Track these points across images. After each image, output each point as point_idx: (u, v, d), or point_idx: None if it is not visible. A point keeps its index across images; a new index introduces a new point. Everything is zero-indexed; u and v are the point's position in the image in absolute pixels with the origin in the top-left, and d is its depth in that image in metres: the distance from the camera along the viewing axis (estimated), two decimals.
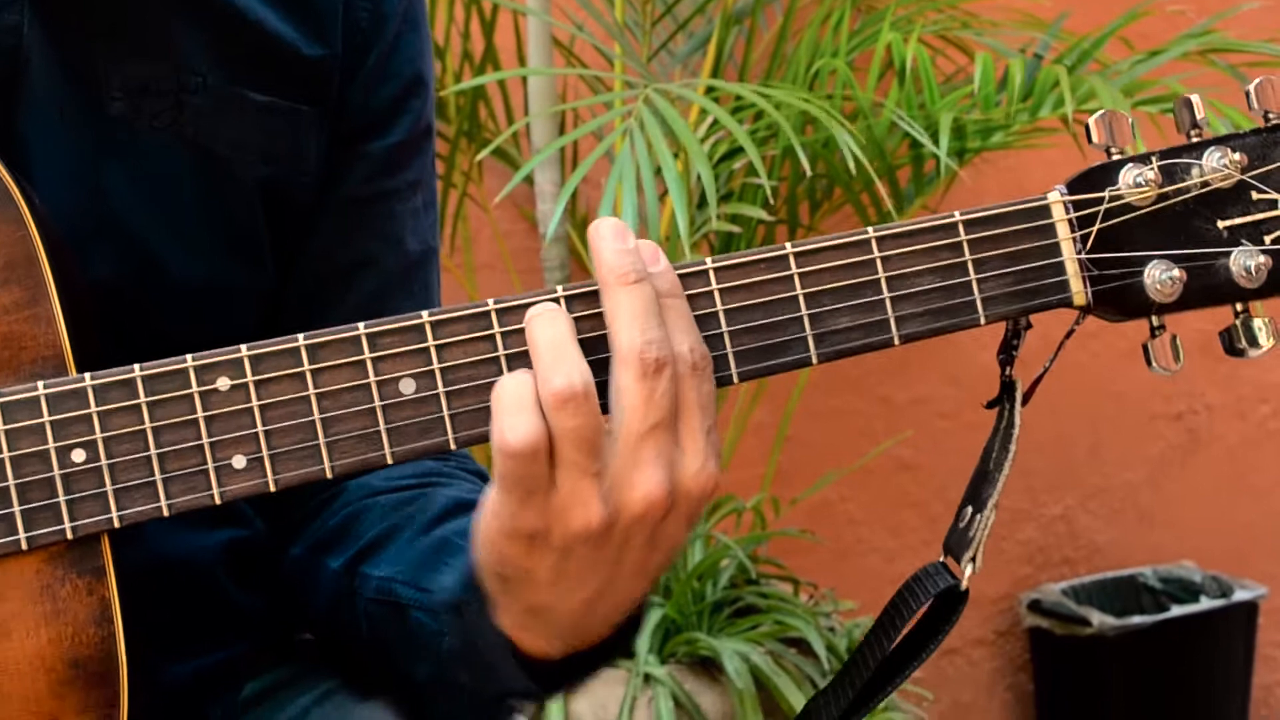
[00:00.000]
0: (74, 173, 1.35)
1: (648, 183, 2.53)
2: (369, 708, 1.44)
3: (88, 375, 1.19)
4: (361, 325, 1.20)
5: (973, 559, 1.26)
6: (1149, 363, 1.26)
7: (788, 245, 1.23)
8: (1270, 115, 1.25)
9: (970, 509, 1.28)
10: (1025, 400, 1.28)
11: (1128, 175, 1.24)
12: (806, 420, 3.60)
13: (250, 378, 1.19)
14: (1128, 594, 3.91)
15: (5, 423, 1.18)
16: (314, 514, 1.48)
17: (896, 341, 1.24)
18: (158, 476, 1.19)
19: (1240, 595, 3.80)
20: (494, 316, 1.20)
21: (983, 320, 1.25)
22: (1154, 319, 1.26)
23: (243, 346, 1.19)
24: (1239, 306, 1.25)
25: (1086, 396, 3.85)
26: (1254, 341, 1.25)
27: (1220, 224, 1.25)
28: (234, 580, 1.49)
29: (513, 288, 3.38)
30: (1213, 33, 2.95)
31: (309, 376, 1.19)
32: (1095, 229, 1.25)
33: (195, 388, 1.19)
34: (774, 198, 2.96)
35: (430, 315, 1.20)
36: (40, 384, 1.19)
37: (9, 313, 1.21)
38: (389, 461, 1.20)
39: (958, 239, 1.24)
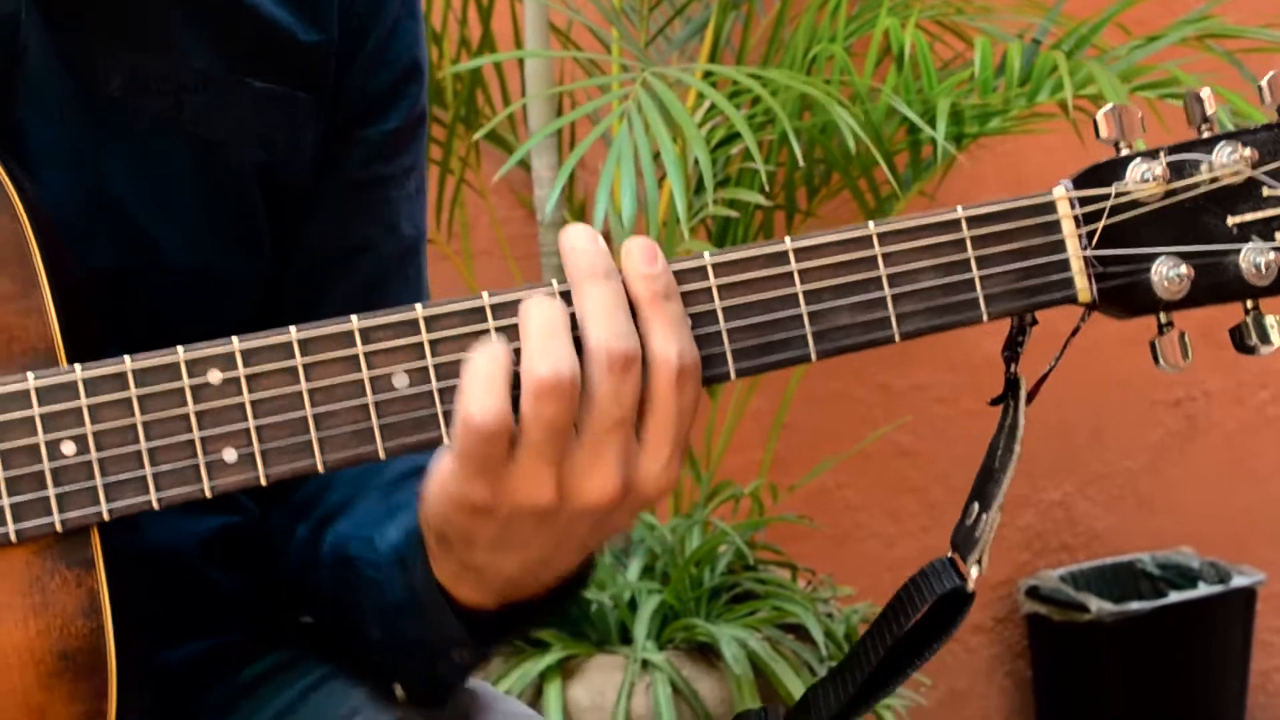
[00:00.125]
0: (72, 161, 1.35)
1: (646, 167, 2.53)
2: (366, 692, 1.44)
3: (78, 367, 1.19)
4: (355, 319, 1.19)
5: (979, 560, 1.26)
6: (1157, 360, 1.25)
7: (787, 241, 1.22)
8: None
9: (977, 506, 1.27)
10: (1030, 399, 1.27)
11: (1135, 171, 1.23)
12: (805, 406, 3.60)
13: (242, 371, 1.19)
14: (1126, 580, 3.91)
15: None
16: (295, 488, 1.49)
17: (897, 339, 1.23)
18: (148, 470, 1.18)
19: (1238, 581, 3.80)
20: (488, 311, 1.20)
21: (985, 318, 1.24)
22: (1161, 316, 1.25)
23: (234, 339, 1.19)
24: (1249, 304, 1.24)
25: (1086, 383, 3.85)
26: (1265, 339, 1.24)
27: (1230, 220, 1.24)
28: (226, 566, 1.49)
29: (510, 275, 3.38)
30: (1210, 18, 2.95)
31: (301, 370, 1.19)
32: (1101, 225, 1.24)
33: (186, 381, 1.18)
34: (771, 183, 2.96)
35: (424, 309, 1.19)
36: (30, 376, 1.18)
37: None
38: (381, 456, 1.19)
39: (960, 235, 1.23)
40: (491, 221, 3.42)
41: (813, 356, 1.22)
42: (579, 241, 1.19)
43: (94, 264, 1.32)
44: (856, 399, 3.78)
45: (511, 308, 1.19)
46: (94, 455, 1.18)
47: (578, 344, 1.17)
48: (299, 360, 1.19)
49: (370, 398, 1.19)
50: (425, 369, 1.19)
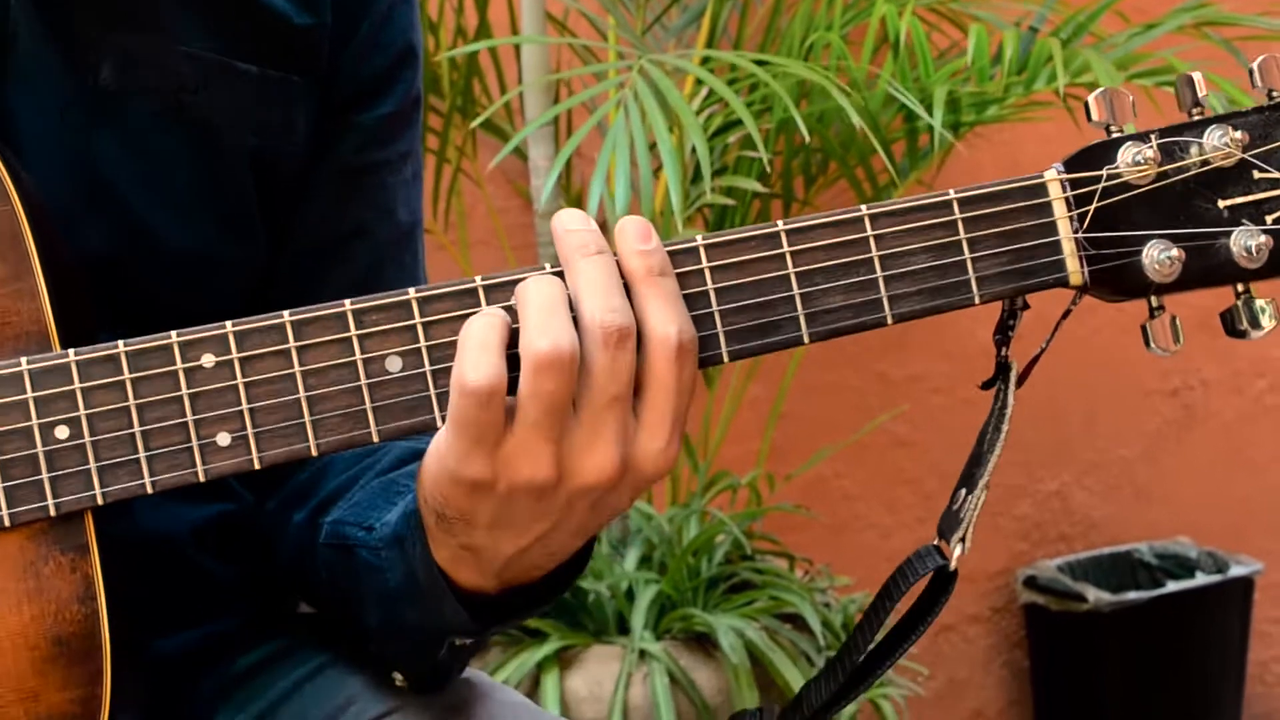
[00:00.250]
0: (64, 145, 1.35)
1: (642, 155, 2.52)
2: (362, 681, 1.43)
3: (71, 351, 1.19)
4: (348, 302, 1.19)
5: (962, 539, 1.25)
6: (1148, 344, 1.25)
7: (780, 223, 1.22)
8: (1274, 93, 1.24)
9: (964, 491, 1.27)
10: (1020, 382, 1.27)
11: (1126, 153, 1.23)
12: (802, 396, 3.59)
13: (235, 354, 1.19)
14: (1123, 570, 3.91)
15: None
16: (289, 475, 1.49)
17: (889, 321, 1.22)
18: (141, 454, 1.18)
19: (1236, 571, 3.80)
20: (481, 293, 1.19)
21: (977, 300, 1.23)
22: (1153, 299, 1.25)
23: (228, 323, 1.19)
24: (1240, 287, 1.24)
25: (1083, 372, 3.85)
26: (1256, 323, 1.24)
27: (1221, 203, 1.24)
28: (221, 555, 1.48)
29: (507, 264, 3.38)
30: (1207, 6, 2.94)
31: (294, 354, 1.19)
32: (1092, 208, 1.23)
33: (179, 364, 1.18)
34: (768, 172, 2.95)
35: (417, 292, 1.19)
36: (24, 360, 1.18)
37: None
38: (375, 440, 1.20)
39: (952, 217, 1.23)
40: (488, 211, 3.42)
41: (805, 339, 1.21)
42: (571, 222, 1.20)
43: (87, 249, 1.32)
44: (853, 388, 3.78)
45: (505, 290, 1.19)
46: (87, 439, 1.18)
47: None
48: (292, 343, 1.19)
49: (364, 381, 1.19)
50: (419, 352, 1.19)
